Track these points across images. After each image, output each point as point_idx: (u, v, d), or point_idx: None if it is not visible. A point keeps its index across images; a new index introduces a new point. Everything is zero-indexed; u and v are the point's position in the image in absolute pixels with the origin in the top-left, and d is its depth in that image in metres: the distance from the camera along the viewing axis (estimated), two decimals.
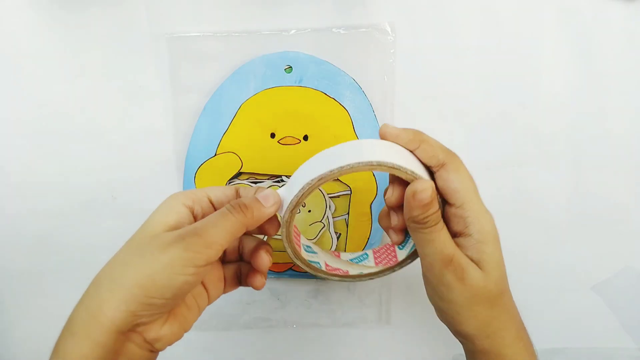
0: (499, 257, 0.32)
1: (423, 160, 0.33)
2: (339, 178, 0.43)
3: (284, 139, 0.43)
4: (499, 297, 0.32)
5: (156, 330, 0.30)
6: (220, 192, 0.33)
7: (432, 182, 0.31)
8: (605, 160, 0.43)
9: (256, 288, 0.35)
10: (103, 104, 0.44)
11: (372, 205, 0.44)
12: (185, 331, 0.32)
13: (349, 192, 0.44)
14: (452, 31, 0.42)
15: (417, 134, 0.33)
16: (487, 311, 0.32)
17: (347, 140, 0.42)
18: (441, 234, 0.31)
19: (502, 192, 0.44)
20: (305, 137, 0.43)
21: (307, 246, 0.38)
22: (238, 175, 0.44)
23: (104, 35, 0.43)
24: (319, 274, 0.37)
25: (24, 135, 0.45)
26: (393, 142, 0.33)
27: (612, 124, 0.43)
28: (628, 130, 0.43)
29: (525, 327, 0.34)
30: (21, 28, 0.43)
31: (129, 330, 0.28)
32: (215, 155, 0.43)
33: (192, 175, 0.44)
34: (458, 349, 0.42)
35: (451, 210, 0.32)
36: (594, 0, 0.41)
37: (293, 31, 0.42)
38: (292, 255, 0.35)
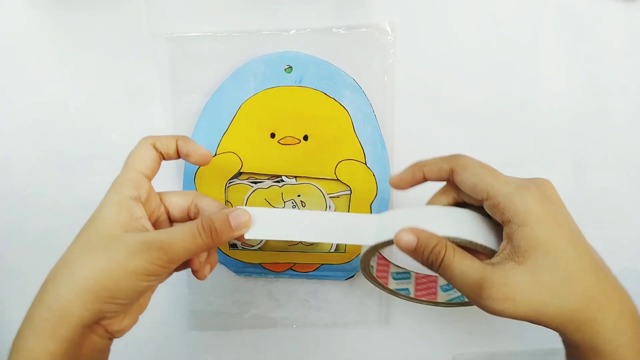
0: (549, 234, 0.27)
1: (433, 179, 0.32)
2: (339, 178, 0.43)
3: (284, 139, 0.43)
4: (571, 282, 0.26)
5: (119, 323, 0.31)
6: (176, 196, 0.34)
7: (411, 227, 0.30)
8: (605, 160, 0.43)
9: (200, 278, 0.34)
10: (103, 104, 0.44)
11: (372, 205, 0.44)
12: (140, 314, 0.34)
13: (349, 192, 0.44)
14: (452, 31, 0.42)
15: (414, 166, 0.33)
16: (561, 303, 0.26)
17: (347, 140, 0.42)
18: (456, 264, 0.29)
19: None
20: (305, 137, 0.43)
21: (398, 273, 0.37)
22: (238, 175, 0.44)
23: (104, 35, 0.43)
24: (410, 301, 0.37)
25: (23, 135, 0.45)
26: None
27: (612, 124, 0.43)
28: (628, 130, 0.43)
29: (637, 310, 0.28)
30: (21, 28, 0.43)
31: (93, 323, 0.29)
32: (215, 155, 0.43)
33: (192, 175, 0.44)
34: (458, 349, 0.42)
35: (487, 206, 0.30)
36: (594, 0, 0.41)
37: (293, 31, 0.42)
38: (379, 287, 0.36)
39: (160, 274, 0.30)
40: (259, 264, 0.46)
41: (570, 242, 0.28)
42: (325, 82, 0.42)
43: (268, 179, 0.44)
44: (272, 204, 0.45)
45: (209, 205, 0.34)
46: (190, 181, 0.44)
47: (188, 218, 0.35)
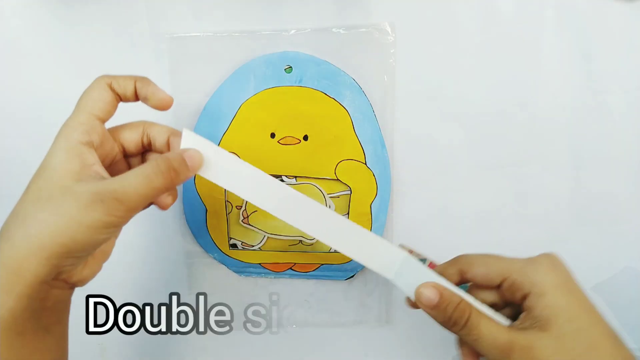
0: (568, 302, 0.28)
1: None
2: (339, 178, 0.43)
3: (284, 139, 0.43)
4: (595, 349, 0.28)
5: (78, 274, 0.30)
6: (127, 130, 0.33)
7: (433, 282, 0.30)
8: (605, 160, 0.43)
9: (162, 209, 0.33)
10: None
11: (372, 205, 0.44)
12: (104, 262, 0.33)
13: (349, 192, 0.44)
14: (452, 31, 0.42)
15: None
16: None
17: (347, 140, 0.42)
18: (484, 325, 0.29)
19: (502, 192, 0.44)
20: (305, 137, 0.43)
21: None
22: None
23: (104, 35, 0.43)
24: None
25: (23, 134, 0.45)
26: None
27: (612, 124, 0.43)
28: (628, 130, 0.43)
29: None
30: (21, 28, 0.43)
31: (52, 279, 0.29)
32: None
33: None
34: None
35: (505, 288, 0.31)
36: (594, 0, 0.41)
37: (293, 31, 0.42)
38: None
39: (119, 225, 0.29)
40: (259, 264, 0.46)
41: (587, 310, 0.29)
42: (325, 82, 0.42)
43: None
44: None
45: (160, 133, 0.33)
46: (190, 181, 0.44)
47: (143, 149, 0.34)
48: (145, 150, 0.35)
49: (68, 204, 0.27)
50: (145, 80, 0.32)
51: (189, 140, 0.32)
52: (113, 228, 0.28)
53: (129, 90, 0.32)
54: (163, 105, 0.32)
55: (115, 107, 0.32)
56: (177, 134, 0.33)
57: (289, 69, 0.42)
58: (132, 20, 0.43)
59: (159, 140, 0.33)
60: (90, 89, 0.31)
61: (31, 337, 0.29)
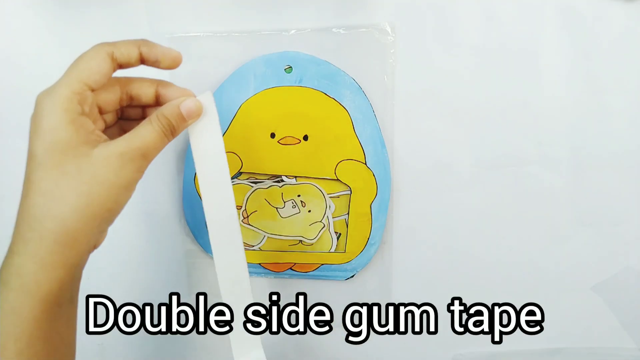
0: None
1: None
2: (339, 178, 0.43)
3: (284, 139, 0.43)
4: None
5: (103, 238, 0.33)
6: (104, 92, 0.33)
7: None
8: (605, 160, 0.43)
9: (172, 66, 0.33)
10: None
11: (372, 205, 0.44)
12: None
13: (349, 192, 0.44)
14: (452, 31, 0.42)
15: None
16: None
17: (347, 140, 0.42)
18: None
19: (502, 192, 0.44)
20: (305, 137, 0.43)
21: None
22: (238, 175, 0.44)
23: (104, 35, 0.43)
24: None
25: (23, 134, 0.45)
26: None
27: (612, 124, 0.43)
28: (628, 130, 0.43)
29: None
30: (21, 28, 0.43)
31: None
32: None
33: (192, 175, 0.44)
34: (458, 349, 0.43)
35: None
36: (594, 0, 0.41)
37: (293, 31, 0.42)
38: None
39: (141, 177, 0.31)
40: (259, 264, 0.46)
41: None
42: (325, 82, 0.42)
43: (268, 179, 0.44)
44: (273, 204, 0.45)
45: (144, 87, 0.34)
46: (191, 182, 0.44)
47: (120, 107, 0.34)
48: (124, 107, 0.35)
49: (103, 171, 0.29)
50: (148, 43, 0.32)
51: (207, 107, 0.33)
52: (138, 181, 0.31)
53: (133, 57, 0.32)
54: (176, 64, 0.33)
55: (108, 78, 0.31)
56: (165, 84, 0.34)
57: (289, 69, 0.42)
58: (132, 21, 0.43)
59: (145, 94, 0.34)
60: (88, 58, 0.31)
61: (66, 308, 0.31)
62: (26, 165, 0.30)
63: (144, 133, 0.30)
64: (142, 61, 0.32)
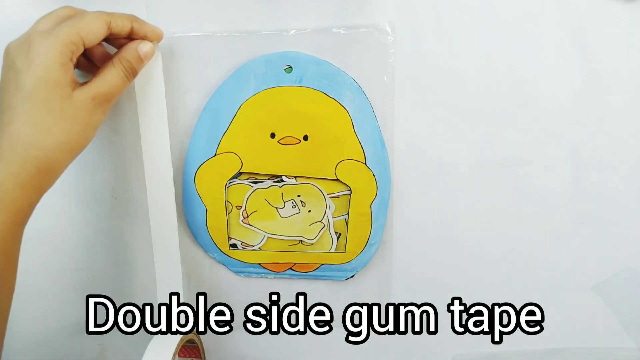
0: None
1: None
2: (339, 178, 0.43)
3: (284, 139, 0.43)
4: None
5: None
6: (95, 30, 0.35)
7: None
8: (605, 159, 0.43)
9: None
10: None
11: (372, 205, 0.44)
12: None
13: (349, 192, 0.44)
14: (452, 31, 0.42)
15: None
16: None
17: (347, 140, 0.42)
18: None
19: (502, 192, 0.44)
20: (305, 137, 0.43)
21: None
22: (238, 175, 0.44)
23: None
24: None
25: None
26: None
27: (612, 123, 0.43)
28: (628, 130, 0.43)
29: None
30: (21, 28, 0.43)
31: None
32: (215, 155, 0.43)
33: (192, 175, 0.44)
34: (458, 349, 0.42)
35: None
36: (594, 0, 0.41)
37: (293, 31, 0.42)
38: None
39: (105, 119, 0.36)
40: (259, 264, 0.46)
41: None
42: (325, 82, 0.42)
43: (268, 179, 0.44)
44: (272, 204, 0.45)
45: (124, 24, 0.36)
46: (191, 181, 0.44)
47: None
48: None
49: (81, 112, 0.34)
50: (138, 19, 0.37)
51: None
52: (101, 124, 0.36)
53: (124, 31, 0.36)
54: (159, 40, 0.39)
55: (99, 42, 0.35)
56: (139, 21, 0.37)
57: (289, 69, 0.42)
58: None
59: (123, 30, 0.37)
60: (90, 19, 0.34)
61: (22, 231, 0.34)
62: (5, 94, 0.33)
63: (109, 78, 0.35)
64: (131, 35, 0.37)
